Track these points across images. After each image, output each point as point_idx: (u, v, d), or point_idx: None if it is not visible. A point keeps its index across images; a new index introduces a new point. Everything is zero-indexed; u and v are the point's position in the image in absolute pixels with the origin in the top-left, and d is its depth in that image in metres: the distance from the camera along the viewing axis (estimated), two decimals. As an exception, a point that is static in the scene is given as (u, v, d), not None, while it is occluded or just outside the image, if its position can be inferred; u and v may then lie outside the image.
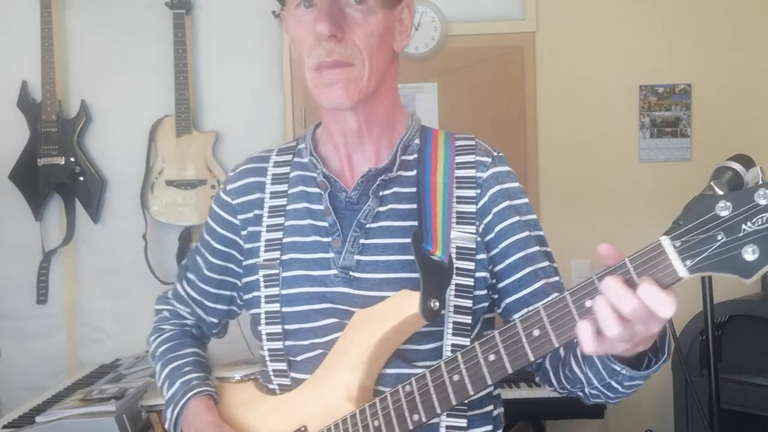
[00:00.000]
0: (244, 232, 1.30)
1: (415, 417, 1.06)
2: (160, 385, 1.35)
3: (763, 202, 0.82)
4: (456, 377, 1.02)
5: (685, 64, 3.15)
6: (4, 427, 2.23)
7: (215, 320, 1.42)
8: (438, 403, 1.04)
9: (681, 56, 3.15)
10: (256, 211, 1.29)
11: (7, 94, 3.12)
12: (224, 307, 1.39)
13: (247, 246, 1.30)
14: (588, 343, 0.89)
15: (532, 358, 0.97)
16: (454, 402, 1.03)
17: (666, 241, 0.86)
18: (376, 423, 1.09)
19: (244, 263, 1.31)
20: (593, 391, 1.12)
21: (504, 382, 2.86)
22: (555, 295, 0.96)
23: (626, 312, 0.86)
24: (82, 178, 3.11)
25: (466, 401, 1.08)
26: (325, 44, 1.13)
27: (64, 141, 3.10)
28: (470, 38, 3.17)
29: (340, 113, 1.21)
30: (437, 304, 1.09)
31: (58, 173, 3.10)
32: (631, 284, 0.86)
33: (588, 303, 0.91)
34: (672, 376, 2.90)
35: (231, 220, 1.32)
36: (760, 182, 0.86)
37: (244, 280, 1.31)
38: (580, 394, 1.16)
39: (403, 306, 1.10)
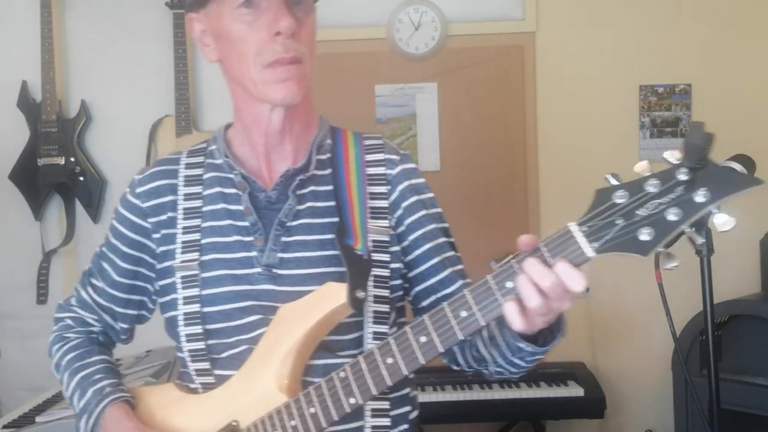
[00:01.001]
0: (156, 235, 1.30)
1: (352, 400, 1.12)
2: (70, 395, 1.32)
3: (652, 190, 0.94)
4: (390, 360, 1.09)
5: (685, 64, 3.15)
6: (4, 427, 2.23)
7: (125, 326, 1.40)
8: (374, 385, 1.10)
9: (681, 56, 3.15)
10: (170, 214, 1.29)
11: (7, 94, 3.11)
12: (134, 312, 1.39)
13: (161, 249, 1.30)
14: (516, 321, 1.01)
15: (461, 337, 1.05)
16: (389, 383, 1.10)
17: (574, 227, 0.97)
18: (312, 410, 1.14)
19: (158, 267, 1.31)
20: (498, 369, 1.24)
21: (504, 382, 2.87)
22: (482, 280, 1.05)
23: (546, 286, 0.97)
24: (82, 178, 3.11)
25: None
26: (283, 41, 1.16)
27: (64, 141, 3.10)
28: (470, 38, 3.17)
29: (265, 113, 1.23)
30: (363, 293, 1.16)
31: (58, 173, 3.10)
32: (548, 264, 0.98)
33: (509, 284, 1.01)
34: (672, 376, 2.90)
35: (141, 224, 1.31)
36: (649, 174, 0.96)
37: (159, 283, 1.31)
38: (485, 372, 1.28)
39: (331, 297, 1.16)
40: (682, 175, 0.93)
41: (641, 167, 0.97)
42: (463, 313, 1.04)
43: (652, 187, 0.95)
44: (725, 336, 2.71)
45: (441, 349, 1.06)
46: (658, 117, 3.16)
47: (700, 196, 0.92)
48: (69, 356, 1.36)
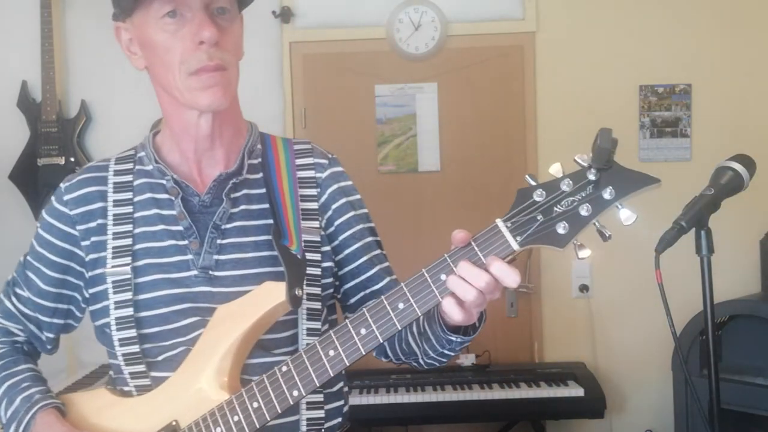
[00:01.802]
0: (85, 243, 1.30)
1: (295, 393, 1.14)
2: None
3: (566, 189, 1.04)
4: (332, 352, 1.12)
5: (685, 64, 3.15)
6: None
7: (51, 335, 1.40)
8: (316, 377, 1.13)
9: (681, 56, 3.15)
10: (99, 221, 1.29)
11: (7, 94, 3.12)
12: (61, 321, 1.38)
13: (91, 257, 1.30)
14: (455, 313, 1.07)
15: (399, 327, 1.10)
16: (331, 374, 1.13)
17: (500, 223, 1.06)
18: (255, 404, 1.16)
19: (88, 274, 1.31)
20: (429, 360, 1.29)
21: (504, 382, 2.87)
22: (412, 277, 1.10)
23: (481, 286, 1.05)
24: (82, 178, 3.11)
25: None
26: (206, 49, 1.19)
27: (64, 141, 3.10)
28: (470, 38, 3.17)
29: (193, 119, 1.25)
30: (300, 292, 1.20)
31: (58, 173, 3.09)
32: (477, 259, 1.06)
33: (443, 277, 1.08)
34: (672, 376, 2.90)
35: (69, 231, 1.31)
36: (562, 174, 1.05)
37: (90, 291, 1.31)
38: (414, 364, 1.34)
39: (270, 296, 1.19)
40: (592, 176, 1.03)
41: (555, 169, 1.06)
42: (401, 305, 1.09)
43: (566, 186, 1.04)
44: (725, 336, 2.71)
45: (381, 340, 1.10)
46: (658, 117, 3.16)
47: (606, 194, 1.03)
48: None
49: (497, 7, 3.17)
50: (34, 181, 3.10)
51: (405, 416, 2.83)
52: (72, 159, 3.11)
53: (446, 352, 1.23)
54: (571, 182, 1.04)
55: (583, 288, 3.15)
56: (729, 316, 2.73)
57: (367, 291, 1.34)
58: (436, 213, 3.17)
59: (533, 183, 1.06)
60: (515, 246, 1.05)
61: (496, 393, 2.83)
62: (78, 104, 3.14)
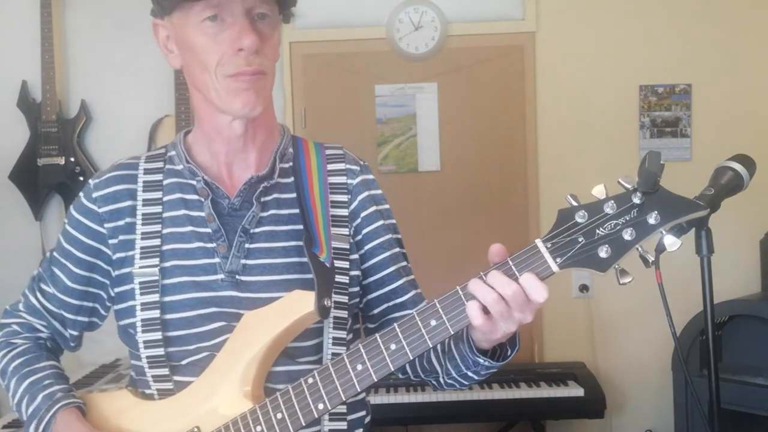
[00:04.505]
0: (113, 241, 1.29)
1: (320, 406, 1.12)
2: (17, 401, 1.29)
3: (610, 211, 1.02)
4: (360, 366, 1.10)
5: (685, 64, 3.15)
6: (4, 427, 2.23)
7: (75, 333, 1.38)
8: (343, 391, 1.11)
9: (681, 56, 3.15)
10: (128, 219, 1.28)
11: (7, 94, 3.12)
12: (86, 319, 1.37)
13: (118, 255, 1.28)
14: (476, 317, 1.04)
15: (430, 345, 1.07)
16: (358, 389, 1.11)
17: (540, 243, 1.04)
18: (279, 416, 1.14)
19: (115, 273, 1.29)
20: (449, 380, 1.26)
21: (504, 382, 2.87)
22: (444, 293, 1.08)
23: (508, 294, 1.02)
24: (82, 178, 3.11)
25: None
26: (245, 56, 1.18)
27: (64, 141, 3.10)
28: (470, 38, 3.17)
29: (226, 121, 1.24)
30: (329, 302, 1.19)
31: (58, 173, 3.10)
32: (513, 277, 1.03)
33: None
34: (672, 376, 2.90)
35: (97, 229, 1.30)
36: (606, 196, 1.03)
37: (116, 290, 1.29)
38: (434, 383, 1.31)
39: (298, 305, 1.17)
40: (637, 199, 1.01)
41: (598, 190, 1.04)
42: (433, 322, 1.07)
43: (609, 208, 1.02)
44: (725, 336, 2.71)
45: (411, 357, 1.08)
46: (658, 117, 3.16)
47: (652, 219, 1.01)
48: (16, 362, 1.33)
49: (497, 7, 3.17)
50: (34, 181, 3.10)
51: (405, 416, 2.82)
52: (72, 159, 3.11)
53: (470, 374, 1.20)
54: (615, 205, 1.02)
55: (583, 288, 3.15)
56: (729, 316, 2.73)
57: (391, 303, 1.32)
58: (436, 213, 3.17)
59: (575, 203, 1.04)
60: (554, 268, 1.03)
61: (496, 393, 2.82)
62: (78, 104, 3.14)
